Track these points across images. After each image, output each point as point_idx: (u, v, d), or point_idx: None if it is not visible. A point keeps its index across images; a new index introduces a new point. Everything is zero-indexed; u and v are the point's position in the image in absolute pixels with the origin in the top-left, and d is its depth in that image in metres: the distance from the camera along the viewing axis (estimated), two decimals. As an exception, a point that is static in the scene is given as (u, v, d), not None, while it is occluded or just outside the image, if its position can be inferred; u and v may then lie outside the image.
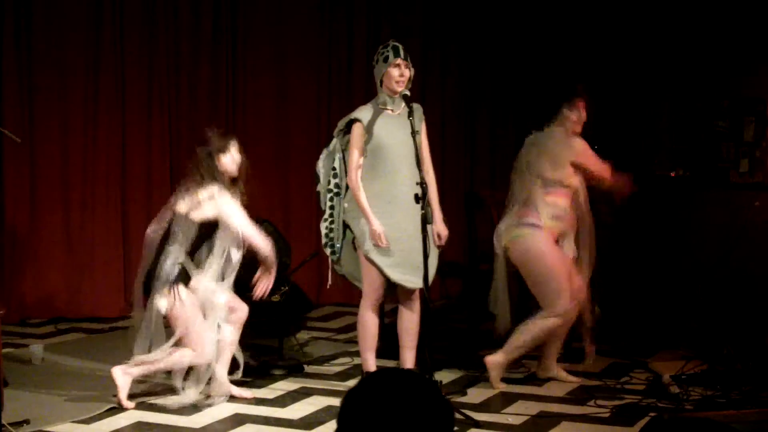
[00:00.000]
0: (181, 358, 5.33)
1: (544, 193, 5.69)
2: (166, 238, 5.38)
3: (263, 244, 5.49)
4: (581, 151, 5.72)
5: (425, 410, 2.08)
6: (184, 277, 5.37)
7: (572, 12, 8.28)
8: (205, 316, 5.39)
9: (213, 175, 5.40)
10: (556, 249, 5.71)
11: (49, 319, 7.38)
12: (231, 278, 5.49)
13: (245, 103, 8.06)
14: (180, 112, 7.81)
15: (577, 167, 5.71)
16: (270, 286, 5.56)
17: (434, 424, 2.07)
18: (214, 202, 5.38)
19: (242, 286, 6.88)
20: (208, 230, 5.43)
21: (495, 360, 5.75)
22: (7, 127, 6.28)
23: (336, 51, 8.34)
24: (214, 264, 5.43)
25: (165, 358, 5.32)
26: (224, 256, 5.44)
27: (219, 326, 5.42)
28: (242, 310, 5.52)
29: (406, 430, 2.05)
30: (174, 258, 5.33)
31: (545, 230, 5.67)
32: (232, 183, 5.49)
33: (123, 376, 5.29)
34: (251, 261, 6.89)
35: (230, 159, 5.49)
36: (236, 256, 5.47)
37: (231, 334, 5.48)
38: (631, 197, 6.24)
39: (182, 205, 5.40)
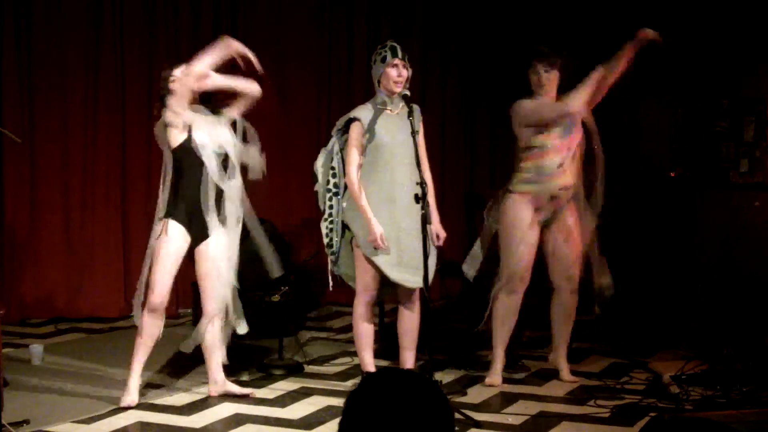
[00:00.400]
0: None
1: (517, 160, 5.75)
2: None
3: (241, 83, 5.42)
4: (519, 111, 5.71)
5: (427, 411, 2.08)
6: (177, 215, 5.31)
7: (572, 12, 8.28)
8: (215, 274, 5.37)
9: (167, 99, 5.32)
10: (523, 219, 5.68)
11: (49, 319, 7.38)
12: (236, 244, 5.45)
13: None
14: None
15: (533, 125, 5.67)
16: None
17: (436, 424, 2.07)
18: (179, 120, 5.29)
19: (242, 286, 6.89)
20: (183, 158, 5.32)
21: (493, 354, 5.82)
22: (7, 127, 6.28)
23: (336, 51, 8.34)
24: (225, 215, 5.40)
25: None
26: (214, 189, 5.36)
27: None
28: (222, 306, 5.47)
29: (408, 430, 2.05)
30: (164, 190, 5.32)
31: (516, 195, 5.70)
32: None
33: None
34: (250, 261, 6.91)
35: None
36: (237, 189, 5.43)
37: (216, 326, 5.46)
38: (631, 197, 6.22)
39: (159, 138, 5.36)
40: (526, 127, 5.70)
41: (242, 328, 5.56)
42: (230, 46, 5.37)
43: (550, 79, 5.72)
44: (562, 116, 5.66)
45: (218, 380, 5.52)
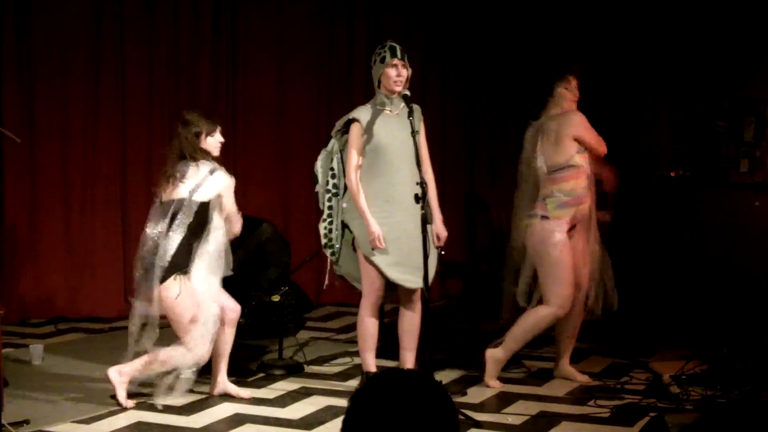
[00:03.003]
0: (175, 354, 5.29)
1: (550, 181, 5.64)
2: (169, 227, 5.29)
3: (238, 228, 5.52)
4: (579, 122, 5.65)
5: (432, 411, 2.07)
6: (187, 266, 5.30)
7: (573, 11, 8.28)
8: (199, 311, 5.31)
9: (196, 154, 5.34)
10: (564, 240, 5.63)
11: (49, 319, 7.38)
12: (221, 271, 5.41)
13: (245, 103, 8.06)
14: (180, 112, 7.79)
15: (580, 142, 5.65)
16: None
17: (440, 424, 2.07)
18: (213, 180, 5.32)
19: (242, 286, 6.89)
20: (205, 213, 5.33)
21: (493, 354, 5.77)
22: (7, 127, 6.27)
23: (336, 51, 8.34)
24: (205, 254, 5.34)
25: (159, 355, 5.28)
26: (215, 244, 5.36)
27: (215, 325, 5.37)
28: (235, 310, 5.49)
29: (413, 430, 2.05)
30: (177, 244, 5.25)
31: (553, 221, 5.62)
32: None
33: (119, 375, 5.28)
34: (251, 261, 6.91)
35: (214, 141, 5.43)
36: (222, 241, 5.40)
37: (227, 335, 5.47)
38: (631, 197, 6.23)
39: (182, 189, 5.31)
40: (574, 142, 5.63)
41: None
42: None
43: (576, 96, 5.69)
44: (599, 151, 5.66)
45: (219, 381, 5.52)
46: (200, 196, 5.30)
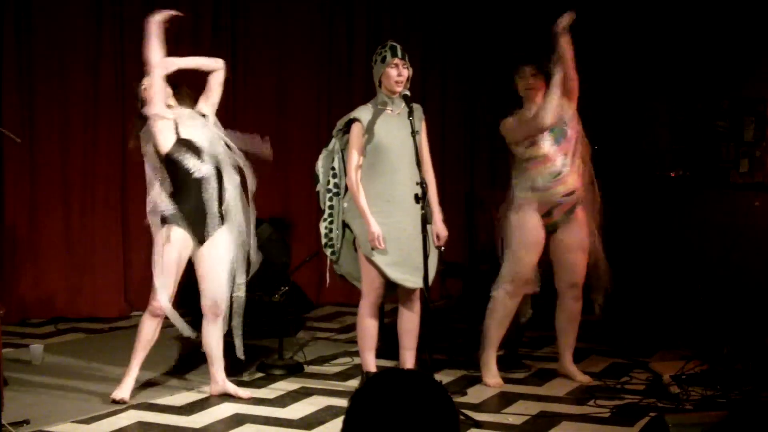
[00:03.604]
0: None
1: (521, 170, 5.72)
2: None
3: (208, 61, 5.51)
4: (506, 129, 5.72)
5: (432, 411, 2.07)
6: (178, 220, 5.30)
7: (573, 12, 8.27)
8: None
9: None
10: (527, 223, 5.67)
11: (49, 319, 7.38)
12: (235, 221, 5.40)
13: (245, 102, 8.06)
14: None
15: (532, 130, 5.64)
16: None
17: (440, 425, 2.07)
18: (162, 125, 5.31)
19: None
20: (177, 162, 5.32)
21: (482, 356, 5.82)
22: (7, 127, 6.27)
23: (336, 51, 8.34)
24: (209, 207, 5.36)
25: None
26: (209, 191, 5.35)
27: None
28: (221, 307, 5.45)
29: (413, 430, 2.04)
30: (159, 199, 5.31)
31: (521, 202, 5.70)
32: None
33: None
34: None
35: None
36: (229, 186, 5.42)
37: (212, 332, 5.45)
38: (631, 197, 6.21)
39: (144, 147, 5.36)
40: (517, 145, 5.70)
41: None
42: (156, 20, 5.39)
43: (537, 84, 5.69)
44: (539, 131, 5.65)
45: (219, 380, 5.52)
46: (158, 149, 5.34)
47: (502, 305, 5.76)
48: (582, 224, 5.76)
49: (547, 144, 5.65)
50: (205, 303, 5.45)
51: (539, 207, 5.69)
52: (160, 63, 5.30)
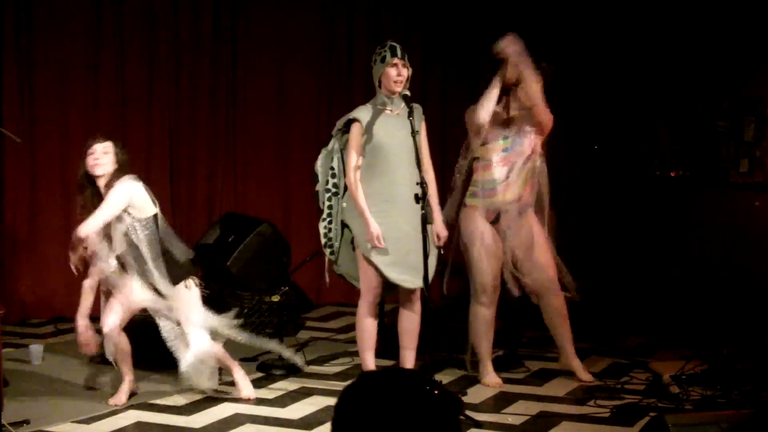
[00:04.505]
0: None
1: (473, 172, 5.75)
2: None
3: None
4: (471, 110, 5.70)
5: (433, 411, 2.05)
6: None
7: (572, 12, 8.28)
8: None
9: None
10: (476, 230, 5.69)
11: (49, 319, 7.37)
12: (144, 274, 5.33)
13: (245, 102, 8.06)
14: (180, 112, 7.82)
15: (472, 123, 5.67)
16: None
17: (441, 425, 2.05)
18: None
19: (242, 286, 6.90)
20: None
21: (479, 369, 5.85)
22: (7, 127, 6.28)
23: (336, 51, 8.34)
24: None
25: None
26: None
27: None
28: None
29: (403, 429, 2.02)
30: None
31: (468, 208, 5.73)
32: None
33: None
34: (251, 261, 6.91)
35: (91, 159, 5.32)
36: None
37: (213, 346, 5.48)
38: (631, 197, 6.20)
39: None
40: (474, 136, 5.71)
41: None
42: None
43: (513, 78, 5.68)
44: (476, 126, 5.64)
45: (242, 387, 5.55)
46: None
47: (482, 318, 5.79)
48: (532, 220, 5.77)
49: (497, 149, 5.67)
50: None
51: (484, 213, 5.72)
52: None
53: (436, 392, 2.07)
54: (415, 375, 2.15)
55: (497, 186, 5.67)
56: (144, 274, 5.29)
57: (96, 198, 5.28)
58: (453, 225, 5.80)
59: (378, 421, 2.01)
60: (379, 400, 2.04)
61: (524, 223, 5.73)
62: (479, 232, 5.70)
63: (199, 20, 7.83)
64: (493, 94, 5.60)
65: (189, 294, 5.35)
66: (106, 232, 5.25)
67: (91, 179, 5.31)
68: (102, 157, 5.28)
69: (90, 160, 5.28)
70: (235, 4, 7.96)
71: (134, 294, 5.31)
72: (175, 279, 5.32)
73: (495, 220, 5.73)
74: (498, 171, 5.68)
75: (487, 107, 5.59)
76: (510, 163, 5.68)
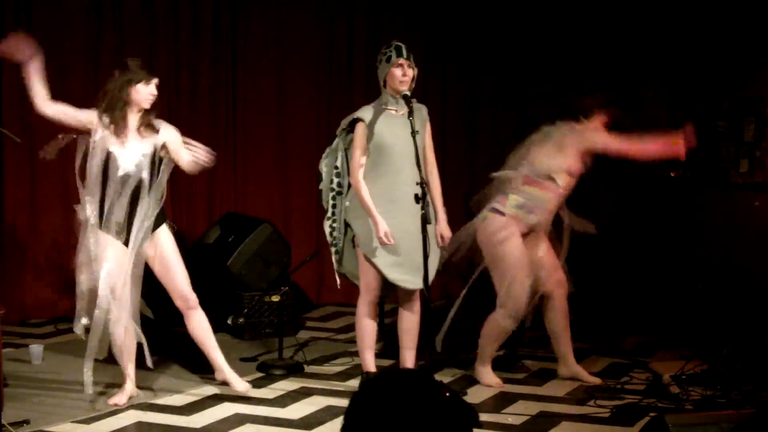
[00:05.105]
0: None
1: (524, 181, 5.68)
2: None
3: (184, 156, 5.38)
4: (590, 133, 5.66)
5: (434, 411, 2.05)
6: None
7: (573, 11, 8.28)
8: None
9: (117, 102, 5.35)
10: (515, 239, 5.64)
11: (49, 319, 7.37)
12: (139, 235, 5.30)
13: (245, 102, 8.06)
14: (180, 112, 7.81)
15: (589, 152, 5.65)
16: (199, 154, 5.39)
17: (442, 425, 2.05)
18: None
19: (242, 286, 6.90)
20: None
21: (475, 368, 5.83)
22: (7, 127, 6.28)
23: (336, 51, 8.34)
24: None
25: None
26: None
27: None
28: (190, 299, 5.42)
29: (415, 430, 2.03)
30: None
31: (506, 217, 5.65)
32: (143, 114, 5.37)
33: None
34: (251, 261, 6.92)
35: (147, 92, 5.36)
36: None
37: (195, 321, 5.43)
38: (631, 197, 6.21)
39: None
40: (568, 154, 5.64)
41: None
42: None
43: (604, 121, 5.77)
44: (621, 150, 5.71)
45: (218, 368, 5.49)
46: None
47: (502, 328, 5.74)
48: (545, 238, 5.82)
49: (567, 178, 5.67)
50: (176, 301, 5.45)
51: (521, 226, 5.69)
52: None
53: (447, 394, 2.08)
54: (430, 379, 2.14)
55: (542, 207, 5.66)
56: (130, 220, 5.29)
57: (123, 122, 5.33)
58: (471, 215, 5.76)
59: (388, 423, 2.02)
60: (391, 402, 2.04)
61: (543, 240, 5.79)
62: (518, 246, 5.63)
63: (199, 20, 7.83)
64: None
65: (168, 239, 5.39)
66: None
67: (122, 104, 5.32)
68: (155, 97, 5.37)
69: (147, 94, 5.35)
70: (235, 4, 7.95)
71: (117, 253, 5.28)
72: (158, 224, 5.39)
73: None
74: (553, 198, 5.67)
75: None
76: (561, 196, 5.70)
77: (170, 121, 7.74)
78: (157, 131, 5.38)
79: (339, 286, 5.80)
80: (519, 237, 5.65)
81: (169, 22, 7.72)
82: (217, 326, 5.92)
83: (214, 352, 5.50)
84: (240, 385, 5.48)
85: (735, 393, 5.39)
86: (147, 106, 5.36)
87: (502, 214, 5.67)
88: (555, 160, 5.63)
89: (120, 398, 5.35)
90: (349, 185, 5.52)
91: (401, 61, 5.37)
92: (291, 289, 6.60)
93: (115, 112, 5.35)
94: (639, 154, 5.76)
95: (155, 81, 5.40)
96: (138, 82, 5.35)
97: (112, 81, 5.43)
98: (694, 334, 6.42)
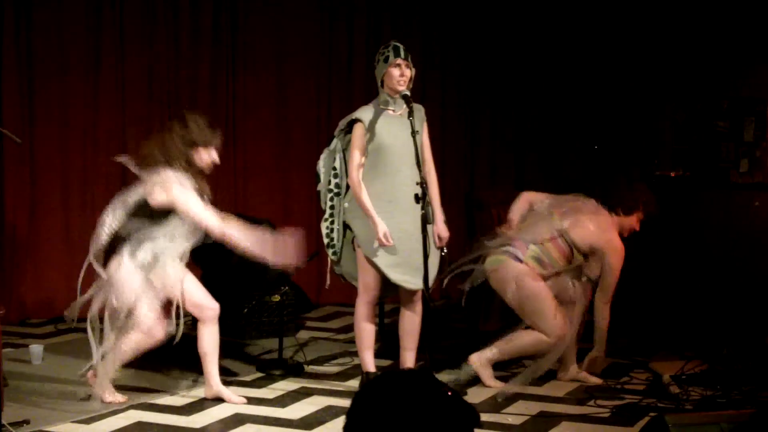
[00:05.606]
0: (130, 344, 5.29)
1: (550, 237, 5.68)
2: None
3: (237, 236, 5.33)
4: (609, 249, 5.72)
5: (435, 411, 2.06)
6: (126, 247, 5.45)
7: (573, 11, 8.28)
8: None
9: (181, 162, 5.30)
10: (539, 284, 5.63)
11: (49, 319, 7.37)
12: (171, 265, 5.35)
13: (245, 102, 8.06)
14: (180, 112, 7.80)
15: (593, 253, 5.70)
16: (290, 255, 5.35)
17: (442, 425, 2.05)
18: (167, 189, 5.27)
19: (242, 286, 6.90)
20: (159, 216, 5.34)
21: (479, 359, 5.77)
22: (7, 127, 6.27)
23: (336, 51, 8.34)
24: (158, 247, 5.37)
25: (114, 349, 5.28)
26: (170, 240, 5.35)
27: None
28: (212, 308, 5.43)
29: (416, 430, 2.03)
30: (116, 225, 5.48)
31: (524, 266, 5.64)
32: (199, 176, 5.36)
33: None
34: (251, 261, 6.91)
35: (208, 156, 5.37)
36: (182, 245, 5.36)
37: (207, 334, 5.43)
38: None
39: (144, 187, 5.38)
40: (590, 247, 5.70)
41: None
42: None
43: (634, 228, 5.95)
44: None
45: (212, 384, 5.47)
46: (153, 200, 5.36)
47: (537, 350, 5.70)
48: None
49: (579, 259, 5.71)
50: (191, 311, 5.45)
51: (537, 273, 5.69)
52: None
53: (449, 393, 2.09)
54: (431, 379, 2.14)
55: (552, 267, 5.68)
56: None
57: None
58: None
59: (393, 423, 2.02)
60: (395, 403, 2.04)
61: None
62: (543, 287, 5.63)
63: (199, 20, 7.83)
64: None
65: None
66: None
67: (191, 168, 5.29)
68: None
69: (211, 160, 5.34)
70: (235, 4, 7.95)
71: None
72: None
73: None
74: (563, 267, 5.70)
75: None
76: (570, 270, 5.75)
77: (170, 120, 7.78)
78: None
79: (327, 286, 5.79)
80: (544, 283, 5.67)
81: (169, 22, 7.71)
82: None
83: (212, 367, 5.48)
84: (234, 398, 5.46)
85: (735, 393, 5.39)
86: (208, 172, 5.38)
87: (519, 260, 5.67)
88: (587, 241, 5.68)
89: (117, 397, 5.34)
90: (348, 186, 5.52)
91: (399, 61, 5.37)
92: (291, 289, 6.59)
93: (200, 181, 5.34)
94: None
95: (217, 145, 5.37)
96: (203, 145, 5.32)
97: (172, 136, 5.33)
98: (694, 334, 6.41)
